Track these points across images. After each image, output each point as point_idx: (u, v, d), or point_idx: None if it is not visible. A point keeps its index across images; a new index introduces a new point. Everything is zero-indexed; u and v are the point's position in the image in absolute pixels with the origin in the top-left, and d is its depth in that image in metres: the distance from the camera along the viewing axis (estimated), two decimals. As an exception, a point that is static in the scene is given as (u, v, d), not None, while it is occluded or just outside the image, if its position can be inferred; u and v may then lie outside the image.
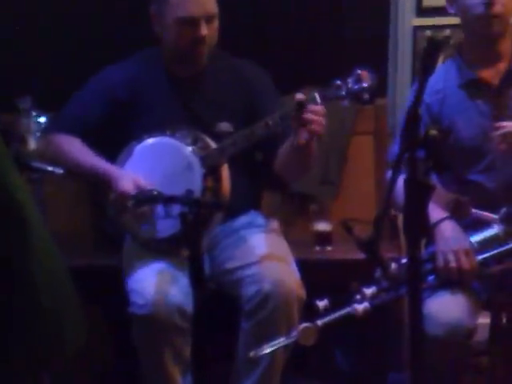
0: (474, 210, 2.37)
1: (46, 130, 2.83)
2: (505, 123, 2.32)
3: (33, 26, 3.12)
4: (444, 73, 2.51)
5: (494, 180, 2.43)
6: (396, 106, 3.26)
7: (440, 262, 2.29)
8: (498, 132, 2.31)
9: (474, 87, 2.46)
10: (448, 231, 2.33)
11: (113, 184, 2.50)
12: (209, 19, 2.55)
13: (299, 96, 2.31)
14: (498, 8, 2.36)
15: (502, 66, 2.44)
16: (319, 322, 2.09)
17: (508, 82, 2.44)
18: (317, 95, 2.32)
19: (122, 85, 2.66)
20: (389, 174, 2.54)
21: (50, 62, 3.16)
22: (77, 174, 2.65)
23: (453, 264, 2.27)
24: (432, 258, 2.32)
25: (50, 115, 2.82)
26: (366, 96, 2.33)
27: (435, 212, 2.34)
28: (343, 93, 2.33)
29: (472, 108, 2.46)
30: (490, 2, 2.34)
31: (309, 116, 2.28)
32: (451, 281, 2.29)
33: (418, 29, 3.20)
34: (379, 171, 3.18)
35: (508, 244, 2.30)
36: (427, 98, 2.41)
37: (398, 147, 1.75)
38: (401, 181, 1.69)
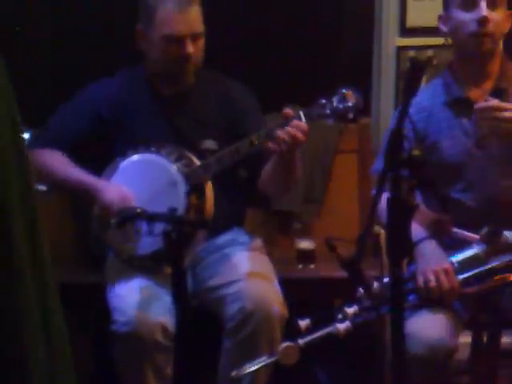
0: (454, 230, 2.39)
1: (29, 145, 2.82)
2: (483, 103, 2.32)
3: (16, 41, 3.12)
4: (431, 90, 2.53)
5: (475, 199, 2.45)
6: (379, 125, 3.28)
7: (420, 281, 2.29)
8: (477, 106, 2.31)
9: (460, 105, 2.48)
10: (428, 250, 2.34)
11: (98, 196, 2.50)
12: (194, 37, 2.56)
13: (287, 110, 2.33)
14: (490, 26, 2.38)
15: (489, 85, 2.47)
16: (301, 342, 2.09)
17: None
18: (301, 113, 2.34)
19: (106, 103, 2.67)
20: (374, 192, 2.55)
21: (33, 78, 3.16)
22: (61, 188, 2.65)
23: (433, 283, 2.28)
24: (413, 277, 2.32)
25: (33, 131, 2.82)
26: (351, 115, 2.35)
27: (416, 231, 2.35)
28: (328, 111, 2.34)
29: (457, 126, 2.47)
30: (483, 20, 2.37)
31: (292, 130, 2.29)
32: (432, 300, 2.30)
33: (401, 49, 3.23)
34: (363, 189, 3.19)
35: (488, 264, 2.31)
36: (414, 115, 2.43)
37: (382, 164, 1.77)
38: (385, 198, 1.70)
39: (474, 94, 2.46)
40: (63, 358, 1.31)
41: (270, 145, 2.34)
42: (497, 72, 2.47)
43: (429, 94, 2.52)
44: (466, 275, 2.31)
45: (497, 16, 2.40)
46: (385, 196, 1.72)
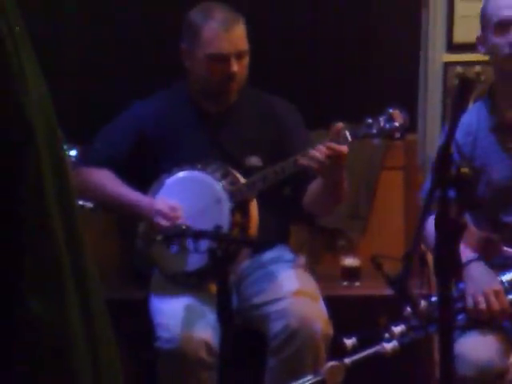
0: (505, 248, 2.34)
1: (76, 163, 2.85)
2: None
3: (61, 58, 3.16)
4: (476, 114, 2.50)
5: None
6: (426, 142, 3.24)
7: (470, 303, 2.26)
8: None
9: (503, 130, 2.44)
10: (477, 272, 2.30)
11: (145, 210, 2.50)
12: (239, 56, 2.56)
13: (338, 125, 2.31)
14: None
15: None
16: (347, 361, 2.07)
17: None
18: (347, 133, 2.32)
19: (152, 121, 2.68)
20: (423, 190, 2.53)
21: (81, 95, 3.19)
22: (107, 205, 2.66)
23: (482, 306, 2.24)
24: (462, 296, 2.29)
25: (81, 148, 2.84)
26: (398, 135, 2.33)
27: (464, 253, 2.31)
28: (374, 131, 2.33)
29: (503, 150, 2.43)
30: None
31: (327, 152, 2.28)
32: (481, 322, 2.26)
33: (448, 65, 3.20)
34: (408, 207, 3.16)
35: None
36: (460, 138, 2.40)
37: (430, 184, 1.74)
38: (431, 220, 1.67)
39: None
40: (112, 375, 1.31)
41: (305, 162, 2.32)
42: None
43: (473, 117, 2.49)
44: None
45: None
46: (431, 219, 1.70)
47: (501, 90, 2.45)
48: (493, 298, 2.24)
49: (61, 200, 1.22)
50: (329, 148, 2.28)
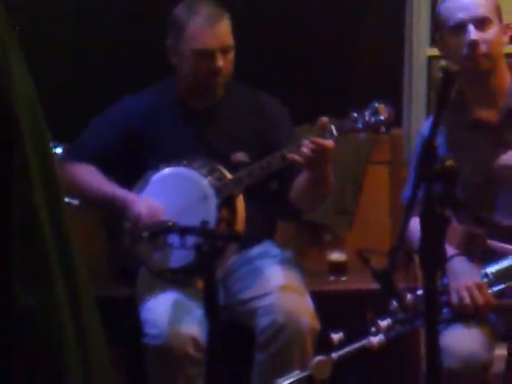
0: (489, 241, 2.35)
1: (62, 159, 2.84)
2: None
3: (47, 55, 3.15)
4: (450, 113, 2.49)
5: (507, 217, 2.41)
6: (411, 136, 3.25)
7: (454, 298, 2.27)
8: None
9: (473, 128, 2.44)
10: (459, 267, 2.31)
11: (128, 209, 2.50)
12: (224, 51, 2.56)
13: (324, 119, 2.31)
14: (482, 48, 2.36)
15: (501, 104, 2.43)
16: (334, 355, 2.07)
17: (508, 120, 2.42)
18: (333, 127, 2.33)
19: (138, 115, 2.68)
20: (405, 191, 2.54)
21: (65, 93, 3.18)
22: (93, 202, 2.66)
23: (467, 300, 2.25)
24: (445, 290, 2.29)
25: (66, 145, 2.83)
26: (383, 129, 2.33)
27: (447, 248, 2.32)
28: (360, 125, 2.33)
29: (474, 147, 2.43)
30: (473, 44, 2.34)
31: (314, 147, 2.28)
32: (466, 316, 2.27)
33: (432, 58, 3.21)
34: (394, 201, 3.16)
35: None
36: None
37: (411, 190, 1.74)
38: (414, 222, 1.68)
39: (484, 114, 2.43)
40: (102, 371, 1.31)
41: (293, 156, 2.33)
42: (506, 89, 2.43)
43: (446, 117, 2.48)
44: (501, 287, 2.28)
45: (488, 35, 2.37)
46: (415, 220, 1.70)
47: (467, 89, 2.44)
48: (476, 292, 2.25)
49: (47, 194, 1.22)
50: (314, 143, 2.29)
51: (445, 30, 2.42)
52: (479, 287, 2.26)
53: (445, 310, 2.29)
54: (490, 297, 2.26)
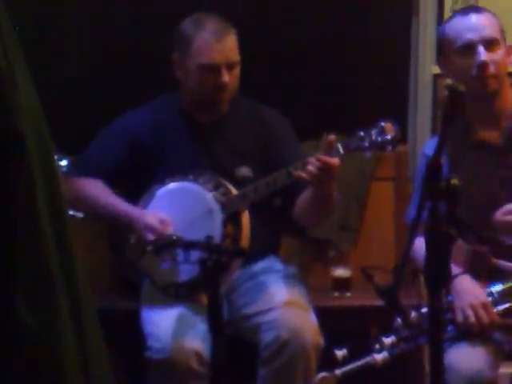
0: (494, 260, 2.35)
1: (67, 173, 2.84)
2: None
3: (52, 68, 3.16)
4: (453, 133, 2.49)
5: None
6: (416, 153, 3.25)
7: (459, 317, 2.27)
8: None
9: (478, 149, 2.44)
10: (463, 286, 2.31)
11: (135, 223, 2.50)
12: (230, 66, 2.57)
13: (331, 137, 2.32)
14: (491, 69, 2.36)
15: (504, 125, 2.43)
16: (338, 372, 2.07)
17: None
18: (339, 145, 2.33)
19: (144, 129, 2.68)
20: (410, 211, 2.53)
21: (71, 106, 3.20)
22: (98, 216, 2.66)
23: (472, 319, 2.25)
24: (450, 308, 2.29)
25: (71, 159, 2.84)
26: (389, 148, 2.33)
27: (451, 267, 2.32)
28: (366, 144, 2.33)
29: (477, 168, 2.44)
30: (483, 65, 2.34)
31: (320, 166, 2.29)
32: (471, 334, 2.27)
33: (438, 76, 3.21)
34: (399, 217, 3.16)
35: None
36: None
37: (415, 210, 1.74)
38: (419, 242, 1.68)
39: (488, 135, 2.43)
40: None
41: (300, 174, 2.33)
42: (509, 110, 2.43)
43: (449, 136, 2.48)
44: (505, 305, 2.28)
45: (497, 56, 2.37)
46: (420, 240, 1.70)
47: (471, 110, 2.44)
48: (481, 311, 2.25)
49: (52, 211, 1.22)
50: (321, 160, 2.29)
51: (451, 51, 2.42)
52: (484, 306, 2.26)
53: (449, 328, 2.28)
54: (495, 315, 2.26)
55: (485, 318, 2.25)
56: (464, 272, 2.33)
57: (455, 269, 2.33)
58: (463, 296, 2.29)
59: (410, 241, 1.73)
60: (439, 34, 2.52)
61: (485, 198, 2.42)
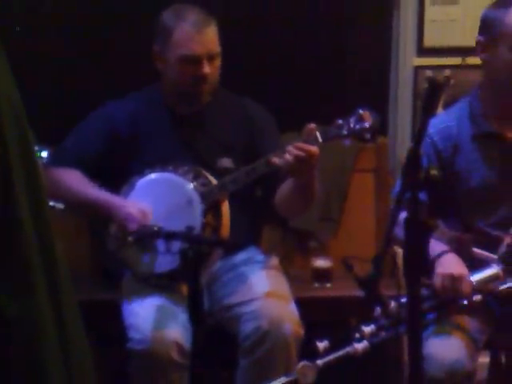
0: (474, 249, 2.37)
1: (47, 164, 2.83)
2: None
3: (32, 60, 3.15)
4: (456, 119, 2.49)
5: (503, 231, 2.43)
6: (397, 145, 3.27)
7: (437, 282, 2.29)
8: None
9: (489, 140, 2.45)
10: (447, 259, 2.33)
11: (116, 212, 2.50)
12: (211, 58, 2.57)
13: (311, 125, 2.32)
14: None
15: None
16: (319, 362, 2.08)
17: None
18: (318, 134, 2.34)
19: (123, 121, 2.68)
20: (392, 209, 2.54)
21: (51, 97, 3.18)
22: (78, 206, 2.65)
23: (448, 284, 2.27)
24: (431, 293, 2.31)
25: (51, 150, 2.83)
26: (368, 136, 2.34)
27: (437, 246, 2.34)
28: (345, 132, 2.34)
29: (484, 161, 2.45)
30: None
31: (297, 152, 2.29)
32: (447, 302, 2.28)
33: (418, 69, 3.23)
34: (379, 208, 3.19)
35: (506, 283, 2.30)
36: (439, 143, 2.43)
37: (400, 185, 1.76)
38: (403, 216, 1.69)
39: (503, 128, 2.43)
40: (83, 373, 1.31)
41: (276, 161, 2.34)
42: None
43: (453, 122, 2.49)
44: (478, 297, 2.30)
45: None
46: (403, 214, 1.72)
47: (492, 101, 2.44)
48: (458, 281, 2.27)
49: (31, 199, 1.21)
50: (299, 148, 2.30)
51: (503, 41, 2.36)
52: (462, 277, 2.28)
53: (429, 316, 2.30)
54: (470, 287, 2.28)
55: (461, 287, 2.27)
56: (451, 250, 2.35)
57: (443, 247, 2.35)
58: (444, 266, 2.30)
59: (394, 216, 1.74)
60: (495, 18, 2.39)
61: (484, 187, 2.44)
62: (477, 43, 2.42)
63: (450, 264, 2.32)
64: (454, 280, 2.28)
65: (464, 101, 2.52)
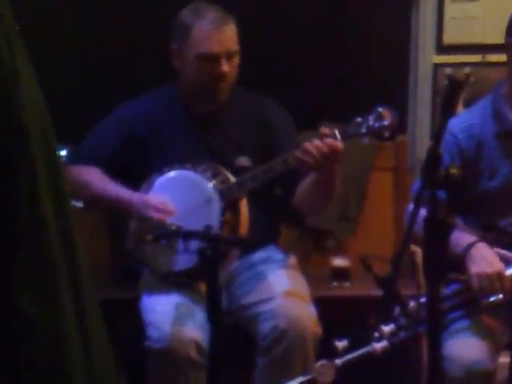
0: (495, 249, 2.35)
1: (66, 162, 2.84)
2: None
3: (53, 59, 3.16)
4: (480, 117, 2.48)
5: None
6: (416, 143, 3.25)
7: (474, 284, 2.26)
8: None
9: (509, 137, 2.43)
10: (479, 253, 2.30)
11: (135, 206, 2.50)
12: (229, 56, 2.56)
13: (323, 129, 2.32)
14: None
15: None
16: (338, 361, 2.07)
17: None
18: (337, 132, 2.33)
19: (141, 121, 2.68)
20: (410, 207, 2.53)
21: (71, 96, 3.19)
22: (97, 201, 2.65)
23: (486, 286, 2.25)
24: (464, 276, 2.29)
25: (71, 148, 2.84)
26: (387, 134, 2.32)
27: (466, 236, 2.32)
28: (363, 130, 2.33)
29: (508, 159, 2.43)
30: None
31: (320, 145, 2.29)
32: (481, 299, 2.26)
33: (438, 66, 3.21)
34: (398, 207, 3.17)
35: None
36: (463, 141, 2.42)
37: (420, 183, 1.75)
38: (422, 213, 1.68)
39: None
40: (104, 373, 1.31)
41: (300, 155, 2.33)
42: None
43: (477, 120, 2.47)
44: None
45: None
46: (422, 212, 1.71)
47: None
48: (496, 281, 2.25)
49: (55, 200, 1.22)
50: (325, 144, 2.29)
51: None
52: (498, 274, 2.26)
53: (453, 314, 2.27)
54: (509, 284, 2.26)
55: (498, 287, 2.25)
56: (480, 240, 2.33)
57: (471, 237, 2.33)
58: (478, 263, 2.28)
59: (414, 213, 1.73)
60: None
61: (507, 185, 2.42)
62: (506, 44, 2.40)
63: (483, 259, 2.29)
64: (492, 279, 2.25)
65: (487, 98, 2.50)
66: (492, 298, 2.27)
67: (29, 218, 1.18)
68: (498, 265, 2.28)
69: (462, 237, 2.30)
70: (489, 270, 2.26)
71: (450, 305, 2.27)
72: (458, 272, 2.31)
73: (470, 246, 2.30)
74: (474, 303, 2.28)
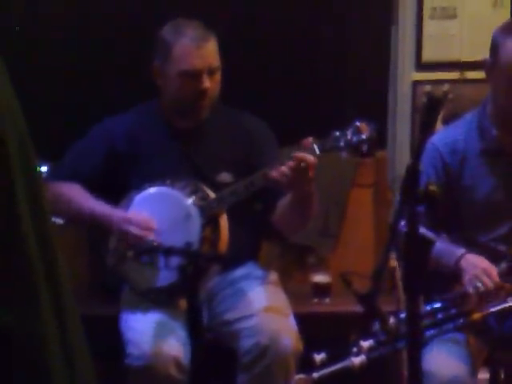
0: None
1: (47, 178, 2.83)
2: None
3: (32, 76, 3.15)
4: (463, 133, 2.49)
5: (507, 246, 2.43)
6: (395, 160, 3.27)
7: (470, 289, 2.29)
8: None
9: (496, 155, 2.45)
10: (468, 261, 2.34)
11: (116, 222, 2.50)
12: (211, 72, 2.57)
13: (306, 141, 2.33)
14: None
15: None
16: (315, 375, 2.08)
17: None
18: (315, 146, 2.34)
19: (122, 137, 2.68)
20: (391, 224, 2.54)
21: (51, 112, 3.18)
22: (78, 219, 2.65)
23: (480, 287, 2.28)
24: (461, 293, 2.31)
25: (51, 165, 2.83)
26: (365, 147, 2.34)
27: (456, 249, 2.35)
28: (342, 144, 2.34)
29: (491, 176, 2.45)
30: None
31: (291, 163, 2.30)
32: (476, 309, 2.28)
33: (417, 83, 3.24)
34: (378, 223, 3.18)
35: (507, 301, 2.30)
36: (447, 157, 2.43)
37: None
38: (403, 224, 1.69)
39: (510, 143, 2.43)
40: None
41: (273, 174, 2.34)
42: None
43: (460, 136, 2.48)
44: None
45: None
46: (403, 223, 1.72)
47: (503, 119, 2.43)
48: (485, 278, 2.28)
49: (35, 218, 1.21)
50: (296, 158, 2.30)
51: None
52: (486, 272, 2.28)
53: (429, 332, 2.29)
54: (497, 278, 2.28)
55: (489, 284, 2.27)
56: (467, 252, 2.34)
57: (459, 250, 2.35)
58: (468, 270, 2.31)
59: (393, 229, 1.74)
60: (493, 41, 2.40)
61: (489, 201, 2.44)
62: (485, 64, 2.42)
63: (474, 266, 2.31)
64: (481, 275, 2.28)
65: (473, 114, 2.52)
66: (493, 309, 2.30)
67: (5, 230, 1.18)
68: (485, 262, 2.31)
69: (453, 249, 2.33)
70: (476, 271, 2.29)
71: (438, 319, 2.28)
72: (454, 284, 2.33)
73: (464, 254, 2.33)
74: (464, 316, 2.30)
